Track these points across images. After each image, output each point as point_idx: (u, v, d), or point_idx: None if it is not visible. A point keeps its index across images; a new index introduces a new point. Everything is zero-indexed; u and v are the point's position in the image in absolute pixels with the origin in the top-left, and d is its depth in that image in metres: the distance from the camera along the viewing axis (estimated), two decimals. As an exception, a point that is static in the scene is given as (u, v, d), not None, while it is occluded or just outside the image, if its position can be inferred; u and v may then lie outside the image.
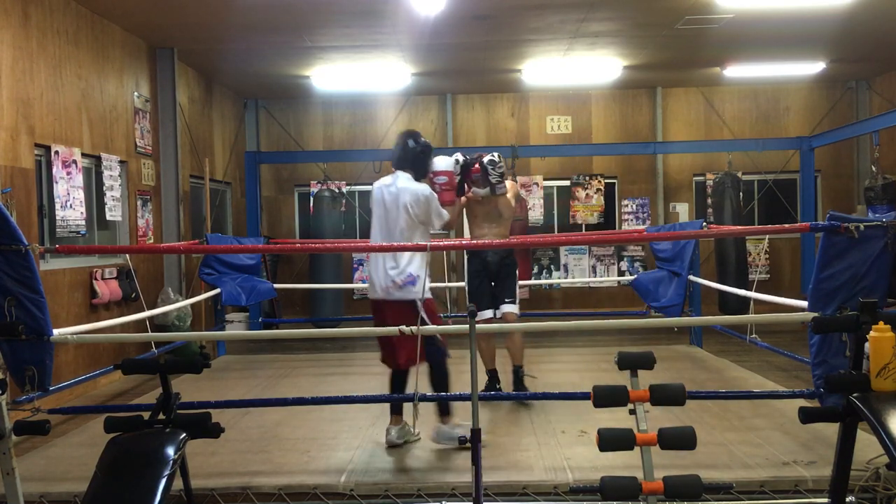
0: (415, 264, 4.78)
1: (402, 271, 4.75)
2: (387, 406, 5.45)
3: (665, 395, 3.38)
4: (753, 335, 6.13)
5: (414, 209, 4.80)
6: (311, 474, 4.40)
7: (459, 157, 5.52)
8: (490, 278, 5.96)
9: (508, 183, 5.93)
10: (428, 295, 4.83)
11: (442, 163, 5.20)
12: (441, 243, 5.29)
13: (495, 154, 5.76)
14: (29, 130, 6.34)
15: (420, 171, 4.95)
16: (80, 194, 6.99)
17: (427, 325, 4.69)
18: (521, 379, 6.04)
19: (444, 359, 4.91)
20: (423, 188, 4.86)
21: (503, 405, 5.76)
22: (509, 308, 5.92)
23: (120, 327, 6.10)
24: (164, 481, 2.86)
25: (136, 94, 8.37)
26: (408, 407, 4.82)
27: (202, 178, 9.76)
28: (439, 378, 4.90)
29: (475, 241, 5.98)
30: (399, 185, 4.85)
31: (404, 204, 4.80)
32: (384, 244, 4.86)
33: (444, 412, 4.90)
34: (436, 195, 4.92)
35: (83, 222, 7.04)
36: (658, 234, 8.64)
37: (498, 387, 6.01)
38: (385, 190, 4.92)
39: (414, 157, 4.91)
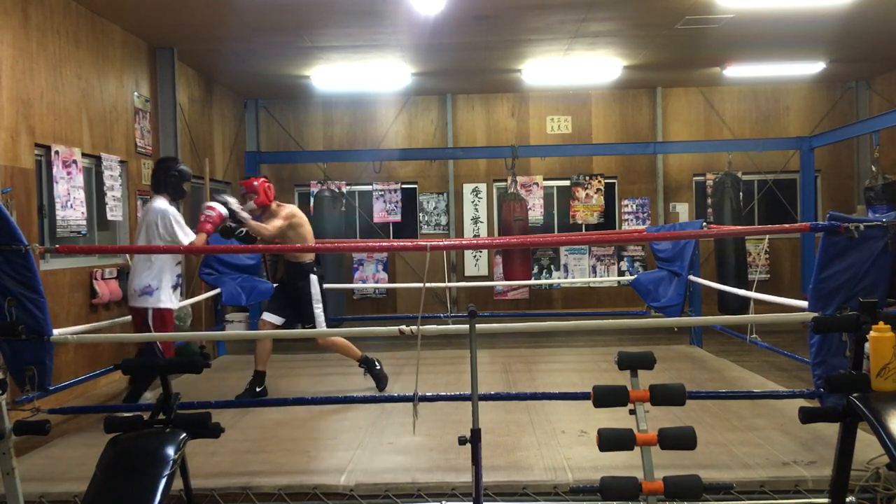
0: (147, 276, 5.48)
1: (135, 281, 5.51)
2: (387, 406, 5.45)
3: (665, 395, 3.38)
4: (753, 335, 6.13)
5: (158, 227, 5.53)
6: (311, 474, 4.40)
7: (230, 202, 6.14)
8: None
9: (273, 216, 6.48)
10: (165, 305, 5.52)
11: (216, 201, 6.03)
12: (441, 243, 5.35)
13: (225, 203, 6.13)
14: (29, 130, 6.34)
15: (175, 194, 5.78)
16: (81, 194, 6.99)
17: (150, 332, 5.40)
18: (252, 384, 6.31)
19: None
20: (165, 209, 5.56)
21: (503, 405, 5.75)
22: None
23: (120, 327, 6.09)
24: (164, 481, 2.86)
25: (136, 94, 8.36)
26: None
27: (202, 178, 9.75)
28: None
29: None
30: (148, 206, 5.66)
31: (148, 222, 5.57)
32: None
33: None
34: (179, 215, 5.65)
35: (83, 222, 7.04)
36: (658, 234, 8.62)
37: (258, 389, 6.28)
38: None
39: (169, 182, 5.73)
